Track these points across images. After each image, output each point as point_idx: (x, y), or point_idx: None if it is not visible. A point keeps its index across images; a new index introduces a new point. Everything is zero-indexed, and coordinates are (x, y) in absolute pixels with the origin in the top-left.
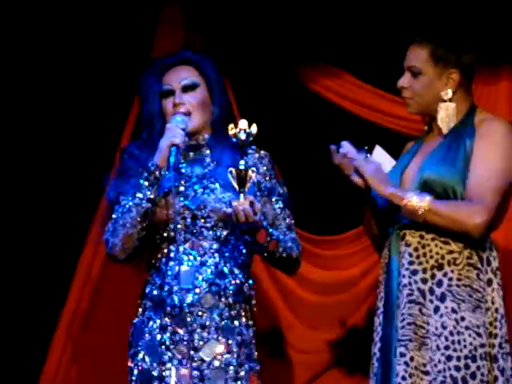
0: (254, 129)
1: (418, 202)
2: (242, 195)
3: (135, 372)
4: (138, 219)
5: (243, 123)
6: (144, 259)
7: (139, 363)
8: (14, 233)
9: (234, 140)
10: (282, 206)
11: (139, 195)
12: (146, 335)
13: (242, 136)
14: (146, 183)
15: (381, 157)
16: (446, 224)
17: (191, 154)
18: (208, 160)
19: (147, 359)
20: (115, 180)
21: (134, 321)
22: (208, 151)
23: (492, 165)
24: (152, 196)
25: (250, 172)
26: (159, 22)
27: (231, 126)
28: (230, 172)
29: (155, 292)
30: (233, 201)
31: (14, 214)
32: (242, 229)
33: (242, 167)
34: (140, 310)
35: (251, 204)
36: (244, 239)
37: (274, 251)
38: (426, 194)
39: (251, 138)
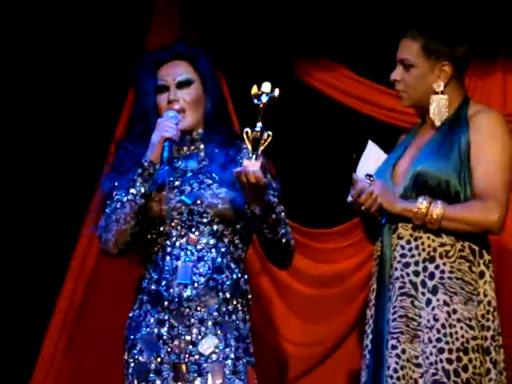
0: (276, 92)
1: (430, 210)
2: (254, 156)
3: (131, 365)
4: (132, 215)
5: (266, 86)
6: (138, 253)
7: (136, 356)
8: (8, 226)
9: (255, 101)
10: (276, 200)
11: (132, 191)
12: (144, 329)
13: (264, 99)
14: (140, 179)
15: (373, 152)
16: (463, 228)
17: (185, 148)
18: (202, 155)
19: (144, 353)
20: (109, 174)
21: (131, 314)
22: (202, 146)
23: (494, 159)
24: (145, 192)
25: (265, 135)
26: (154, 12)
27: (254, 87)
28: (246, 133)
29: (153, 287)
30: (244, 159)
31: (8, 207)
32: (248, 192)
33: (258, 129)
34: (136, 304)
35: (262, 168)
36: (240, 232)
37: (275, 225)
38: (437, 200)
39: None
